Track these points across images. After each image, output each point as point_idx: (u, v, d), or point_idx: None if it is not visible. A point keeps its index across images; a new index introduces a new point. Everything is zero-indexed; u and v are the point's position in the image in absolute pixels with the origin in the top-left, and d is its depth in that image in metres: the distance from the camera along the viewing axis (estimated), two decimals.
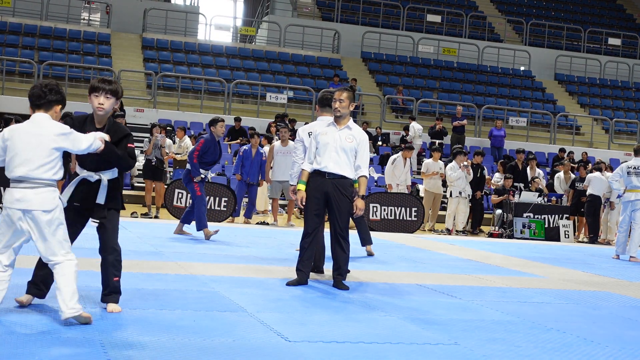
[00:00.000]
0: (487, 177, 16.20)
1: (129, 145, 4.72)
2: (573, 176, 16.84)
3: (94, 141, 4.41)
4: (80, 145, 4.36)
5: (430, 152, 19.65)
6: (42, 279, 4.76)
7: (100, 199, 4.68)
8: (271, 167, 13.54)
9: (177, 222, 13.00)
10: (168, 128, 15.45)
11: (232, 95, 22.22)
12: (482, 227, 16.47)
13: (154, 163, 13.48)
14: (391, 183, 14.79)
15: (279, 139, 13.58)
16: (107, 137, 4.53)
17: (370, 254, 9.13)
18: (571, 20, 32.73)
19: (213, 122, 10.13)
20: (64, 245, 4.38)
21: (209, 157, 9.86)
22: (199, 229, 9.73)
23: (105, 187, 4.67)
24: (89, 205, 4.74)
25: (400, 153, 15.04)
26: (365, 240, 9.14)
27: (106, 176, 4.70)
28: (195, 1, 31.04)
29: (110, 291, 4.78)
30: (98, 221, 4.74)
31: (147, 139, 13.72)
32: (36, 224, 4.27)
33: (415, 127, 20.81)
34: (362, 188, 6.47)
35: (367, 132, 13.58)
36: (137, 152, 14.23)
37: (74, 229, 4.75)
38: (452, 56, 28.28)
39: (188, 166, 9.88)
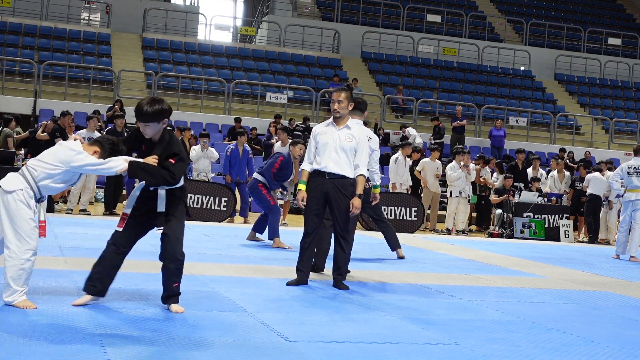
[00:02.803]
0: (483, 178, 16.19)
1: (171, 161, 4.73)
2: (567, 174, 16.84)
3: (112, 166, 4.67)
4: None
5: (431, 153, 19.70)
6: (98, 277, 4.91)
7: (160, 207, 4.81)
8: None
9: None
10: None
11: (232, 95, 22.22)
12: (483, 226, 16.49)
13: None
14: (395, 182, 14.81)
15: (278, 139, 13.61)
16: (127, 159, 4.71)
17: (400, 257, 9.16)
18: (571, 20, 32.73)
19: (293, 144, 10.75)
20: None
21: (283, 174, 10.11)
22: (270, 238, 9.74)
23: (162, 197, 4.80)
24: (150, 211, 4.87)
25: (400, 151, 15.05)
26: (394, 245, 9.20)
27: (162, 187, 4.82)
28: (195, 1, 31.05)
29: (170, 294, 4.93)
30: (161, 228, 4.86)
31: None
32: None
33: (411, 132, 20.80)
34: (360, 187, 6.46)
35: (377, 134, 13.48)
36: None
37: (135, 232, 4.96)
38: (452, 56, 28.28)
39: (256, 176, 10.01)
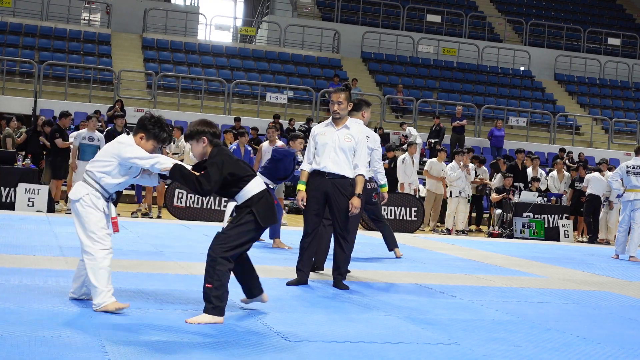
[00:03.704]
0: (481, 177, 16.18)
1: (202, 173, 4.77)
2: (567, 175, 16.84)
3: (158, 162, 4.74)
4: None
5: (431, 152, 19.69)
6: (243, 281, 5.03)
7: (227, 214, 5.03)
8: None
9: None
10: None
11: (232, 95, 22.22)
12: (481, 227, 16.49)
13: None
14: (403, 182, 14.83)
15: (267, 139, 13.61)
16: (173, 161, 4.79)
17: (398, 257, 9.19)
18: (571, 20, 32.71)
19: (293, 138, 10.26)
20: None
21: (281, 168, 9.83)
22: (271, 237, 9.73)
23: (229, 206, 4.89)
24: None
25: (407, 152, 15.12)
26: (391, 245, 9.23)
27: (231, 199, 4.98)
28: (195, 1, 31.04)
29: (204, 298, 4.71)
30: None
31: None
32: None
33: (412, 132, 20.78)
34: (359, 187, 6.46)
35: (381, 136, 13.46)
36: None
37: None
38: (452, 56, 28.27)
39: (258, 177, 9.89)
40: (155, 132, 4.84)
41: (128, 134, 4.97)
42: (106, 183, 4.79)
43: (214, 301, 4.65)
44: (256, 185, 4.87)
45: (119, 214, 4.92)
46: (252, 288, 5.09)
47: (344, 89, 6.55)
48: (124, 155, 4.74)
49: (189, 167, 4.79)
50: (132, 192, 16.22)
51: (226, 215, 5.03)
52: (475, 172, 15.68)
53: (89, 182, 4.81)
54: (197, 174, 4.74)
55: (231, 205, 4.98)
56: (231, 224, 4.85)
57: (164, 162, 4.73)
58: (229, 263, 4.74)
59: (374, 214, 9.25)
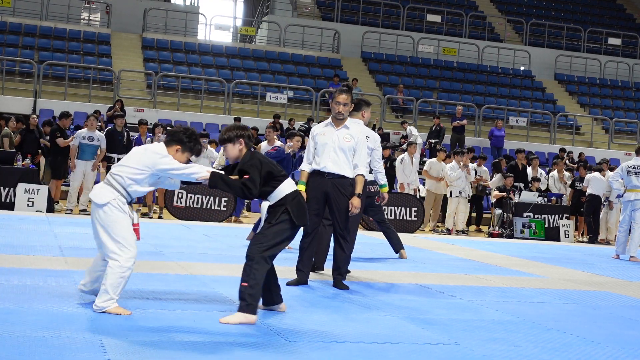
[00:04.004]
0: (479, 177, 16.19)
1: (245, 177, 4.82)
2: (567, 175, 16.84)
3: (194, 172, 4.80)
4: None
5: (431, 152, 19.69)
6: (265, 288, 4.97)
7: (262, 216, 5.06)
8: None
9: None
10: (168, 128, 15.43)
11: (232, 95, 22.22)
12: (481, 227, 16.49)
13: None
14: (403, 182, 14.83)
15: (266, 138, 13.61)
16: (208, 170, 4.83)
17: (403, 258, 9.19)
18: (571, 20, 32.71)
19: (290, 136, 10.19)
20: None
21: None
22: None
23: (263, 207, 4.99)
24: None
25: (406, 152, 15.10)
26: (397, 247, 9.25)
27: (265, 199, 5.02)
28: (195, 1, 31.03)
29: (239, 297, 4.76)
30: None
31: (149, 140, 13.74)
32: None
33: (413, 132, 20.76)
34: (359, 187, 6.46)
35: (381, 136, 13.44)
36: None
37: None
38: (452, 56, 28.27)
39: None
40: (191, 145, 4.91)
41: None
42: (133, 190, 4.82)
43: (248, 299, 4.69)
44: (289, 185, 4.93)
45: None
46: (274, 295, 5.06)
47: (348, 90, 6.54)
48: (160, 167, 4.77)
49: (223, 172, 4.83)
50: None
51: (262, 216, 5.03)
52: (476, 172, 15.68)
53: (115, 186, 4.78)
54: (236, 178, 4.80)
55: (265, 205, 4.97)
56: (267, 224, 4.87)
57: (200, 172, 4.78)
58: (266, 264, 4.76)
59: (377, 216, 9.30)
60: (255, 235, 4.90)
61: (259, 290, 4.74)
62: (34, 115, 14.65)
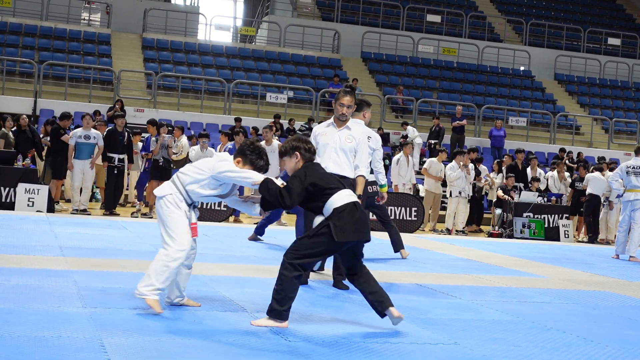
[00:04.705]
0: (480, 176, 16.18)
1: (286, 184, 4.80)
2: (567, 175, 16.84)
3: (249, 177, 4.78)
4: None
5: (430, 153, 19.69)
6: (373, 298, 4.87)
7: (309, 226, 5.04)
8: None
9: None
10: (169, 128, 15.47)
11: (232, 95, 22.22)
12: (481, 227, 16.48)
13: (161, 163, 13.53)
14: (397, 184, 14.81)
15: (263, 138, 13.63)
16: (263, 177, 4.81)
17: (403, 257, 9.22)
18: (571, 20, 32.72)
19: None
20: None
21: None
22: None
23: (316, 221, 4.88)
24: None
25: (401, 152, 15.08)
26: (397, 246, 9.27)
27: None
28: (195, 1, 31.04)
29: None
30: None
31: (154, 139, 13.74)
32: None
33: (414, 132, 20.77)
34: (360, 187, 6.47)
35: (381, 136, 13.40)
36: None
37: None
38: (452, 56, 28.28)
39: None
40: (252, 158, 4.90)
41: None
42: (191, 190, 4.87)
43: (273, 303, 4.66)
44: (340, 197, 4.73)
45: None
46: (376, 306, 4.86)
47: (351, 91, 6.54)
48: (217, 169, 4.81)
49: (279, 183, 4.77)
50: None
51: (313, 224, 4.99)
52: (477, 172, 15.67)
53: (176, 183, 4.91)
54: (281, 184, 4.75)
55: (317, 220, 4.81)
56: (309, 232, 4.79)
57: (255, 177, 4.77)
58: (294, 270, 4.64)
59: (380, 216, 9.33)
60: (296, 239, 4.86)
61: (286, 296, 4.64)
62: (24, 116, 14.63)
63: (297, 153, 4.85)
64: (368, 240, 4.85)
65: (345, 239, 4.67)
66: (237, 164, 4.90)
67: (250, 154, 4.90)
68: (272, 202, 4.77)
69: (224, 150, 13.97)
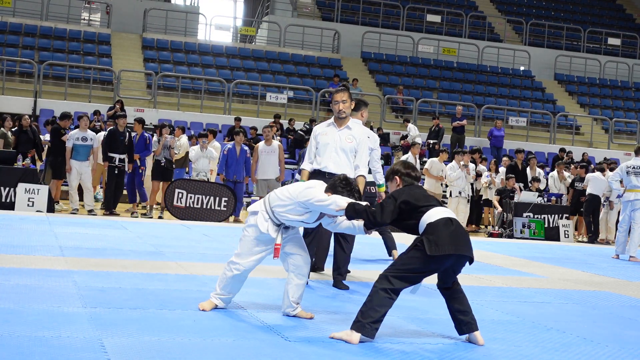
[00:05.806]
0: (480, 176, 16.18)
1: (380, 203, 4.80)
2: (567, 175, 16.84)
3: (333, 202, 4.73)
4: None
5: (430, 153, 19.69)
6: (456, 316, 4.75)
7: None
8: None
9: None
10: (171, 128, 15.47)
11: (232, 95, 22.23)
12: (481, 227, 16.50)
13: (163, 164, 13.53)
14: None
15: (264, 138, 13.64)
16: (348, 200, 4.74)
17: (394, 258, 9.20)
18: (571, 20, 32.72)
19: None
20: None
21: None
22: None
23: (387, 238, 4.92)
24: None
25: (410, 152, 15.12)
26: (390, 247, 9.23)
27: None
28: (195, 1, 31.04)
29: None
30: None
31: (156, 140, 13.74)
32: None
33: (415, 131, 20.76)
34: (360, 187, 6.46)
35: (380, 136, 13.48)
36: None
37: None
38: (452, 56, 28.28)
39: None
40: (344, 194, 4.83)
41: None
42: (278, 212, 4.90)
43: (358, 314, 4.52)
44: (434, 213, 4.60)
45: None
46: (460, 324, 4.72)
47: (345, 88, 6.55)
48: (303, 198, 4.80)
49: (358, 202, 4.73)
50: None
51: None
52: (479, 174, 15.68)
53: (265, 202, 4.99)
54: (365, 203, 4.70)
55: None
56: (404, 253, 4.69)
57: (340, 202, 4.71)
58: (387, 283, 4.49)
59: None
60: (398, 255, 4.80)
61: (371, 309, 4.48)
62: (26, 116, 14.64)
63: (397, 177, 4.82)
64: (469, 256, 4.62)
65: (440, 253, 4.47)
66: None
67: (342, 190, 4.83)
68: (363, 220, 4.72)
69: (222, 150, 13.96)
